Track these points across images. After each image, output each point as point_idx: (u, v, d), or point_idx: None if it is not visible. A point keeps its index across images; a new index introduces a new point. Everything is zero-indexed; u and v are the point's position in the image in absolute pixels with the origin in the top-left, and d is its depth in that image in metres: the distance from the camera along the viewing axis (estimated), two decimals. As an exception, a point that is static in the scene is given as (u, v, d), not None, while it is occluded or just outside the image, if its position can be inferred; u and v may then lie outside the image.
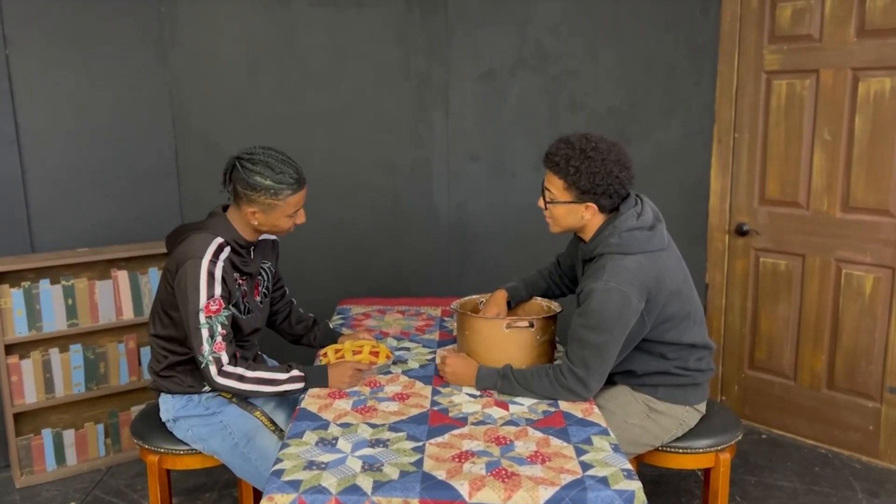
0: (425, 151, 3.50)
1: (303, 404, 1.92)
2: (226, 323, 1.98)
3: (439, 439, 1.72)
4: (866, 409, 3.07)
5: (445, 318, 2.69)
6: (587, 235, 2.07)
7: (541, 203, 2.08)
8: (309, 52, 3.35)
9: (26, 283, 2.84)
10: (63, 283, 2.90)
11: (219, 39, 3.27)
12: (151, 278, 3.09)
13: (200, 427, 2.10)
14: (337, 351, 2.17)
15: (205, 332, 1.95)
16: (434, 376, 2.11)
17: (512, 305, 2.37)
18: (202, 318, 1.94)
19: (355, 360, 2.11)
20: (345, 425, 1.79)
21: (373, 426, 1.78)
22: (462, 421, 1.82)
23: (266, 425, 2.06)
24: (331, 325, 2.51)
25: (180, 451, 2.15)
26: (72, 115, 3.06)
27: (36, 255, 2.95)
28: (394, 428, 1.77)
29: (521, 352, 2.07)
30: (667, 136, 3.42)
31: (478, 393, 2.00)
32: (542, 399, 1.96)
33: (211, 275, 1.95)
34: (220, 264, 1.97)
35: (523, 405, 1.92)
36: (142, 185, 3.21)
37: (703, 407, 2.18)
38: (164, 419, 2.17)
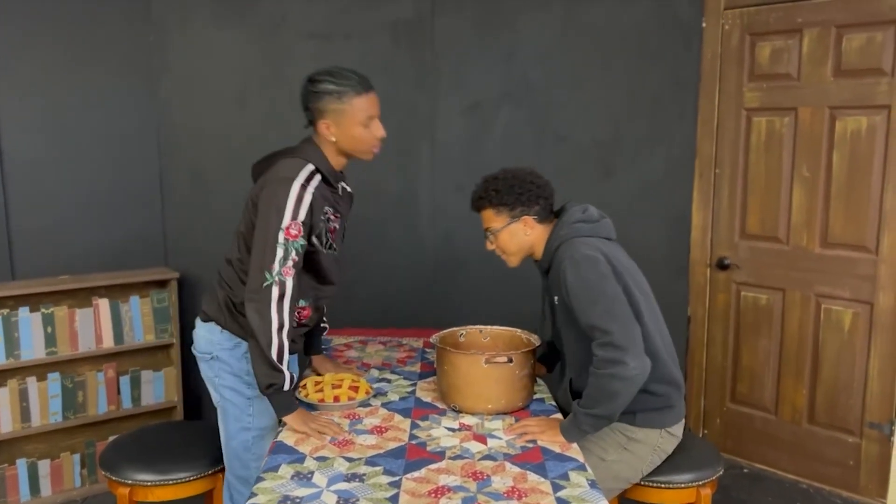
0: (411, 181, 3.52)
1: (279, 437, 1.91)
2: (300, 252, 1.93)
3: (416, 474, 1.71)
4: (847, 444, 3.08)
5: (427, 350, 2.68)
6: (540, 251, 2.14)
7: (488, 245, 2.17)
8: (297, 83, 3.33)
9: (5, 311, 2.82)
10: (43, 310, 2.88)
11: (207, 69, 3.29)
12: (132, 307, 3.07)
13: (232, 388, 2.03)
14: (317, 383, 2.16)
15: (280, 252, 1.89)
16: (413, 409, 2.10)
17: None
18: (281, 237, 1.89)
19: (334, 394, 2.09)
20: (321, 459, 1.78)
21: (350, 460, 1.77)
22: (440, 455, 1.81)
23: None
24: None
25: (149, 482, 2.12)
26: (56, 142, 3.07)
27: (16, 283, 2.94)
28: (371, 462, 1.76)
29: (501, 387, 2.06)
30: (650, 169, 3.46)
31: (456, 426, 1.99)
32: (624, 405, 1.91)
33: (300, 198, 1.93)
34: (310, 189, 1.95)
35: (502, 440, 1.92)
36: (125, 213, 3.21)
37: (678, 430, 2.14)
38: (201, 350, 2.08)
